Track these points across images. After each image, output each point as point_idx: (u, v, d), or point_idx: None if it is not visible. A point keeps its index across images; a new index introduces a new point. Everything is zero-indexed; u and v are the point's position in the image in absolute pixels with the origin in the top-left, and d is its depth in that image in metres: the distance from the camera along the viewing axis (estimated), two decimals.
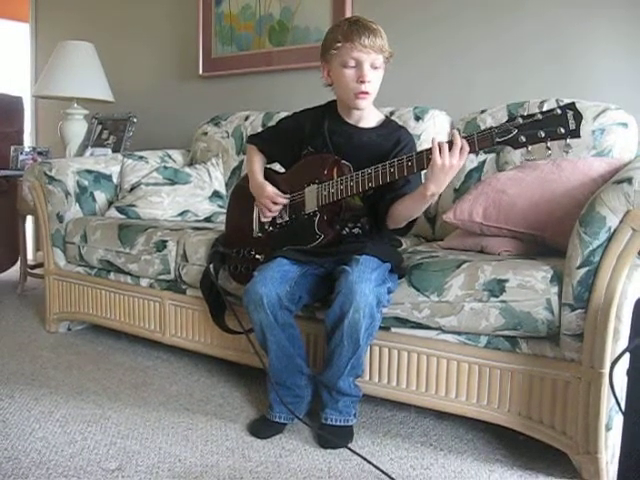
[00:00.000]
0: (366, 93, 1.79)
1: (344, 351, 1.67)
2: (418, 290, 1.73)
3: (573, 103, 1.45)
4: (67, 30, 4.23)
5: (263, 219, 1.99)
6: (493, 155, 2.38)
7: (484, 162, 2.38)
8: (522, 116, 1.51)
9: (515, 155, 2.29)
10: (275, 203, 1.94)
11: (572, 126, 1.44)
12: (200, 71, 3.66)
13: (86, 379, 2.27)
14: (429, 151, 1.61)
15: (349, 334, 1.63)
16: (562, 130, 1.45)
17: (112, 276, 2.61)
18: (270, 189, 1.96)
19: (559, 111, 1.46)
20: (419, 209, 1.75)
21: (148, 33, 3.97)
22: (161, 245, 2.38)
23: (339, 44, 1.77)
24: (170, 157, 3.29)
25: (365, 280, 1.60)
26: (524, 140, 1.50)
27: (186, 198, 2.91)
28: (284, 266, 1.79)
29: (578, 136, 1.45)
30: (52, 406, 2.01)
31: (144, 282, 2.49)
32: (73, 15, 4.35)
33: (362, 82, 1.77)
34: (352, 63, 1.77)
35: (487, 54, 2.76)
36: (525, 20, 2.67)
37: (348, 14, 3.05)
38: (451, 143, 1.58)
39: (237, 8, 3.49)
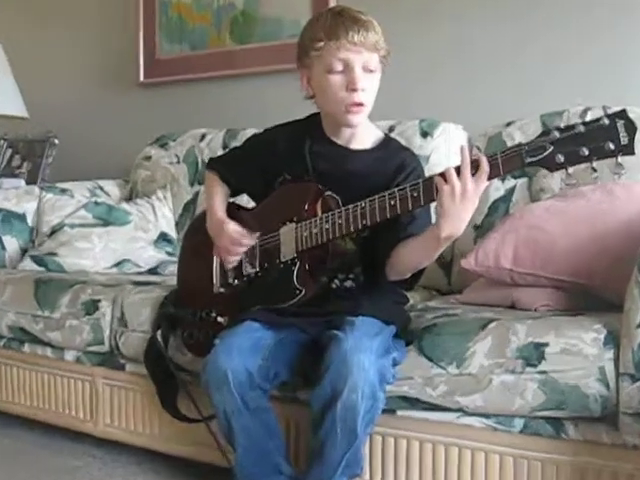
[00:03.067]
0: (360, 105, 1.79)
1: (337, 443, 1.65)
2: (431, 360, 1.74)
3: (624, 110, 1.44)
4: None
5: (226, 266, 2.00)
6: (524, 180, 2.41)
7: (513, 190, 2.42)
8: (559, 128, 1.49)
9: (552, 180, 2.32)
10: (239, 244, 1.95)
11: (624, 140, 1.43)
12: (141, 77, 3.70)
13: None
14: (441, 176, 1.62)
15: (343, 421, 1.62)
16: (611, 146, 1.44)
17: (26, 348, 2.59)
18: (231, 227, 1.96)
19: (606, 121, 1.45)
20: (429, 256, 1.75)
21: (73, 28, 3.99)
22: (92, 306, 2.37)
23: (321, 43, 1.78)
24: (102, 190, 3.29)
25: (363, 349, 1.60)
26: (562, 160, 1.50)
27: (124, 243, 2.91)
28: (255, 332, 1.79)
29: (632, 153, 1.44)
30: None
31: (69, 355, 2.47)
32: None
33: (354, 90, 1.77)
34: (339, 67, 1.77)
35: (514, 52, 2.81)
36: (566, 12, 2.73)
37: (332, 3, 3.10)
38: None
39: None
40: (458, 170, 1.57)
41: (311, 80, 1.87)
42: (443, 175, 1.58)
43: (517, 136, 2.41)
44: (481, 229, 2.40)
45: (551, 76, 2.74)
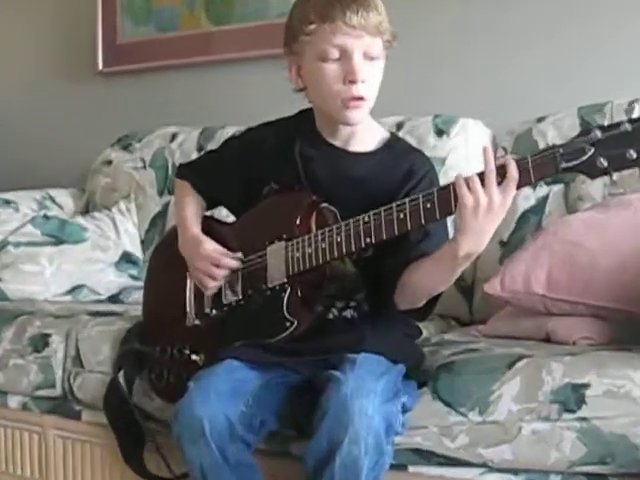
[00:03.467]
0: (360, 99, 1.79)
1: None
2: (449, 405, 1.73)
3: None
4: None
5: (206, 294, 1.99)
6: (559, 187, 2.41)
7: (546, 199, 2.42)
8: (601, 127, 1.48)
9: (592, 186, 2.32)
10: (220, 266, 1.94)
11: None
12: (100, 65, 3.71)
13: None
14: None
15: (344, 479, 1.62)
16: None
17: None
18: (210, 246, 1.95)
19: None
20: (446, 279, 1.75)
21: (17, 8, 4.00)
22: (40, 342, 2.37)
23: (312, 26, 1.77)
24: (54, 201, 3.29)
25: (366, 393, 1.59)
26: (605, 165, 1.49)
27: (79, 265, 2.91)
28: (236, 372, 1.78)
29: None
30: None
31: (14, 401, 2.47)
32: None
33: (353, 82, 1.76)
34: (335, 54, 1.77)
35: (546, 32, 2.82)
36: None
37: None
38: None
39: None
40: (481, 177, 1.55)
41: (301, 70, 1.86)
42: (459, 186, 1.56)
43: (550, 134, 2.41)
44: (508, 246, 2.40)
45: (590, 61, 2.74)
